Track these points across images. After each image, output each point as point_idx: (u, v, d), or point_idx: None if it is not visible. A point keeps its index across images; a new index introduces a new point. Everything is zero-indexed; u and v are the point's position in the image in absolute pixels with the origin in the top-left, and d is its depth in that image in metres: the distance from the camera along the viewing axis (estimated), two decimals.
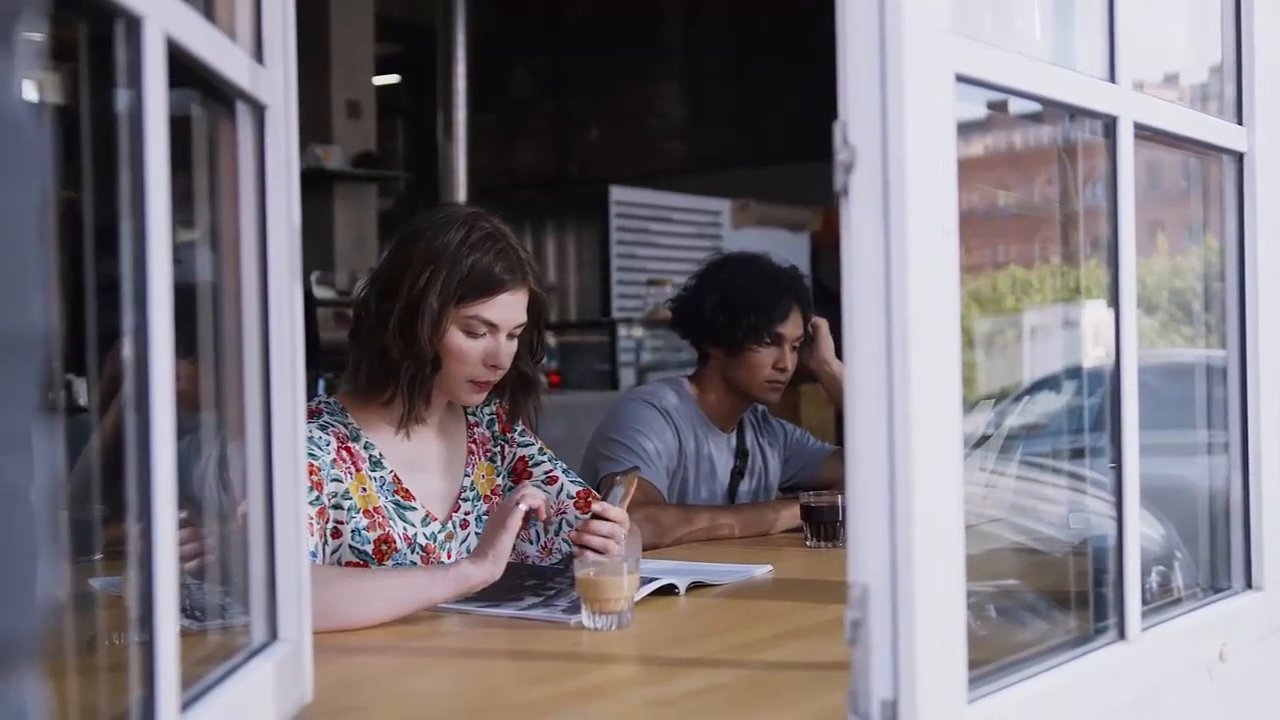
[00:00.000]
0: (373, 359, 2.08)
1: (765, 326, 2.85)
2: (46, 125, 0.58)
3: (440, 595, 1.86)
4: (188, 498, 1.09)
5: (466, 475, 2.22)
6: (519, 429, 2.30)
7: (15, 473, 0.53)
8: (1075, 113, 1.49)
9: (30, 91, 0.57)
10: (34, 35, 0.58)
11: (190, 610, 1.25)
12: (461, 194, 7.33)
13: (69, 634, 1.11)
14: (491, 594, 1.99)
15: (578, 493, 2.25)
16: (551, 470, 2.27)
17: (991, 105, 1.37)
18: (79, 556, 1.52)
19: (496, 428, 2.29)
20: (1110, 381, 1.46)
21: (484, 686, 1.55)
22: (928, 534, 1.10)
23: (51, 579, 0.56)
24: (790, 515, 2.73)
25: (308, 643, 1.35)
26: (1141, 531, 1.49)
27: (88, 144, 1.01)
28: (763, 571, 2.26)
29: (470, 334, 2.07)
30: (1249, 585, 1.73)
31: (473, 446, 2.25)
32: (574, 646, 1.72)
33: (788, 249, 5.94)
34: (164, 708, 0.96)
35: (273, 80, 1.31)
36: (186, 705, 1.04)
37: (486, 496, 2.24)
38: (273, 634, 1.31)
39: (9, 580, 0.53)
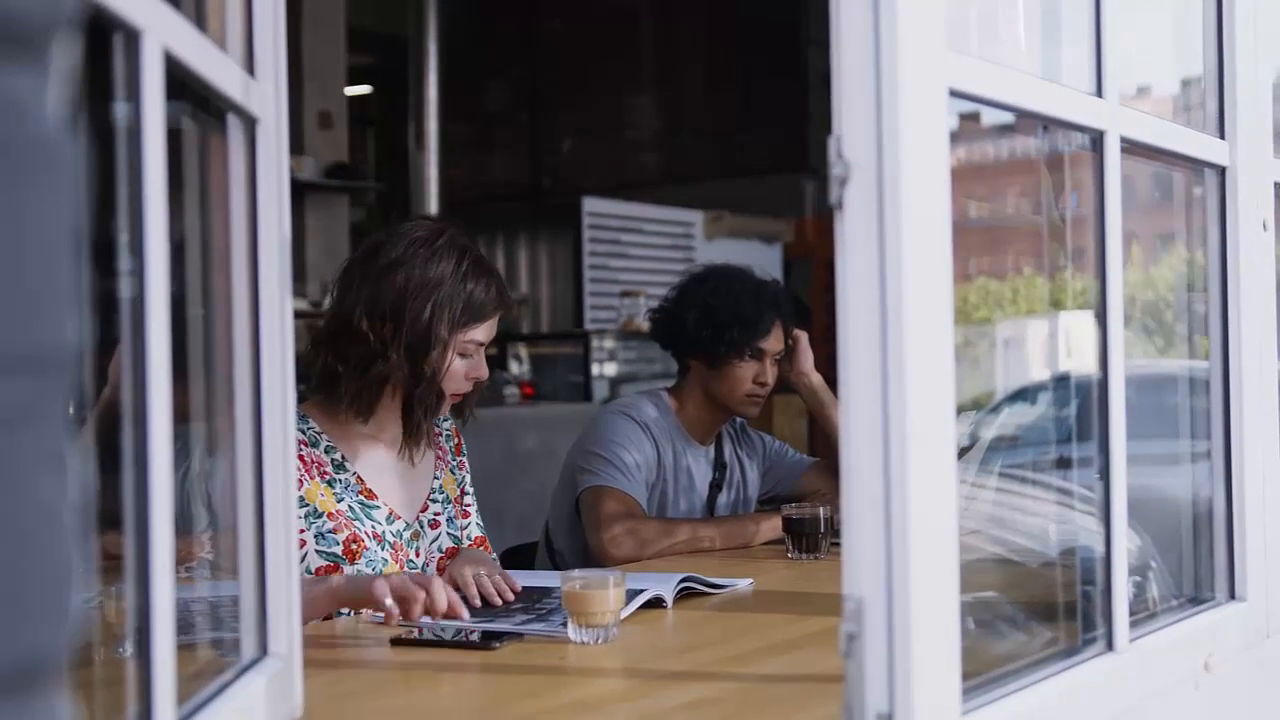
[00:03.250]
0: (372, 382, 2.13)
1: (748, 341, 2.85)
2: (79, 142, 0.57)
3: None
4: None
5: (436, 478, 2.30)
6: (463, 454, 2.41)
7: (50, 491, 0.52)
8: (1064, 127, 1.50)
9: (63, 109, 0.56)
10: (67, 55, 0.58)
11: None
12: (433, 205, 7.31)
13: None
14: (484, 612, 1.98)
15: (477, 537, 2.37)
16: (469, 506, 2.39)
17: (964, 116, 1.37)
18: None
19: (451, 445, 2.38)
20: (1097, 394, 1.47)
21: (473, 701, 1.55)
22: (923, 547, 1.11)
23: (81, 597, 0.55)
24: (771, 527, 2.73)
25: (298, 658, 1.34)
26: None
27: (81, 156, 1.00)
28: (745, 585, 2.26)
29: (464, 355, 2.18)
30: (1232, 596, 1.74)
31: (440, 453, 2.33)
32: (561, 660, 1.71)
33: (760, 260, 5.91)
34: None
35: (264, 93, 1.30)
36: None
37: (455, 500, 2.33)
38: (263, 649, 1.30)
39: (44, 599, 0.52)
